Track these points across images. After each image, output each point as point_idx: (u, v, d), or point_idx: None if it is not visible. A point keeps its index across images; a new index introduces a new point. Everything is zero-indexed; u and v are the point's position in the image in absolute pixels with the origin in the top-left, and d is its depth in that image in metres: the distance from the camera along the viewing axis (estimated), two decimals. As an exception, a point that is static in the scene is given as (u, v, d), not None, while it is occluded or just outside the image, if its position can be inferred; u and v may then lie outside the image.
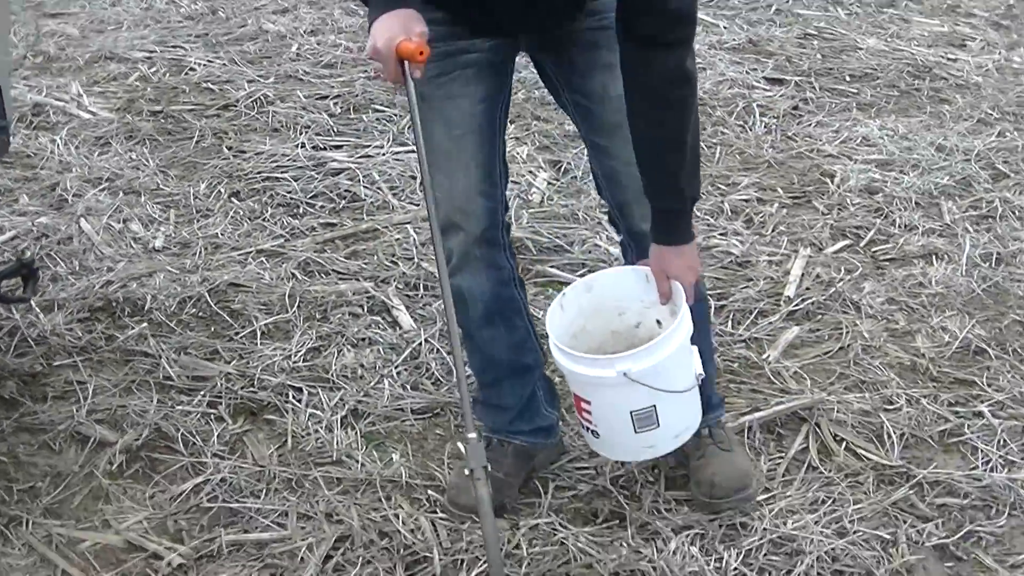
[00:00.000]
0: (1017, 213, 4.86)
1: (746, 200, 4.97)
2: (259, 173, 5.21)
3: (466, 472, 2.85)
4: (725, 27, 6.77)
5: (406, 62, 2.77)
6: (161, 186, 5.14)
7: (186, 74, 6.22)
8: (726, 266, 4.52)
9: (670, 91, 2.85)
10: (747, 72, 6.14)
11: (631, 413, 3.05)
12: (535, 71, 3.35)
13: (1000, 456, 3.53)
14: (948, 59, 6.39)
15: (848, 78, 6.14)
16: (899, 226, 4.79)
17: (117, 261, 4.57)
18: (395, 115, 5.68)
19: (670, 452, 3.25)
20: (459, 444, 3.57)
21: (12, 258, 4.28)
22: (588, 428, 3.18)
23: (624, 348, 3.11)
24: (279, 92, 5.94)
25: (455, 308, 2.96)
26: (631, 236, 3.25)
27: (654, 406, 3.03)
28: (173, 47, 6.56)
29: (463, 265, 3.20)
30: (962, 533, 3.26)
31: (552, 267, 4.52)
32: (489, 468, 2.84)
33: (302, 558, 3.19)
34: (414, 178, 5.12)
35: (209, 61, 6.35)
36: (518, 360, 3.40)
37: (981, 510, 3.36)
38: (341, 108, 5.79)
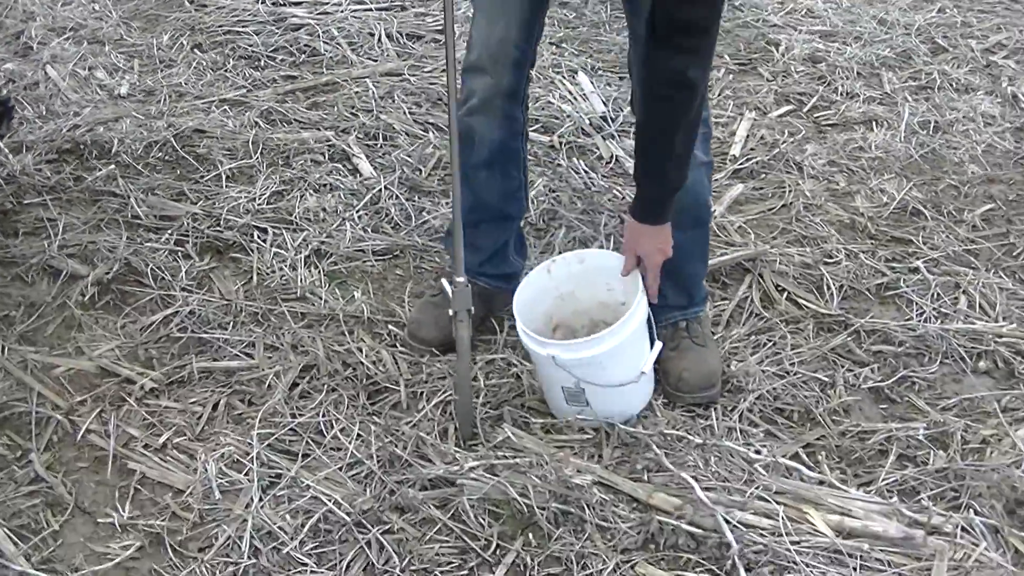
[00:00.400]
0: (954, 85, 5.03)
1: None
2: (220, 27, 5.29)
3: (450, 312, 3.03)
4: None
5: None
6: (124, 37, 5.21)
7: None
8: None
9: (669, 91, 2.95)
10: None
11: (562, 387, 3.20)
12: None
13: (933, 308, 3.73)
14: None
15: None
16: (841, 94, 4.96)
17: (83, 106, 4.65)
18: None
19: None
20: (416, 283, 3.73)
21: (-14, 96, 4.36)
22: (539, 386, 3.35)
23: (611, 319, 3.24)
24: (236, -50, 5.98)
25: (461, 146, 3.10)
26: None
27: (583, 389, 3.17)
28: None
29: (481, 109, 3.34)
30: (896, 377, 3.46)
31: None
32: (472, 311, 3.00)
33: (269, 385, 3.35)
34: (372, 35, 5.22)
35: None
36: (503, 208, 3.54)
37: (915, 357, 3.55)
38: (298, -33, 5.84)
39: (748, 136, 4.62)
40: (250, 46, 5.13)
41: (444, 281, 3.21)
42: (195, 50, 5.12)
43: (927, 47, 5.32)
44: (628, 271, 3.25)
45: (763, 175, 4.41)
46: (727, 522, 2.86)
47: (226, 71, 4.95)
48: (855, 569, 2.80)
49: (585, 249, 3.66)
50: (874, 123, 4.75)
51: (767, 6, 5.65)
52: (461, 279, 3.05)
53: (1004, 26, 5.57)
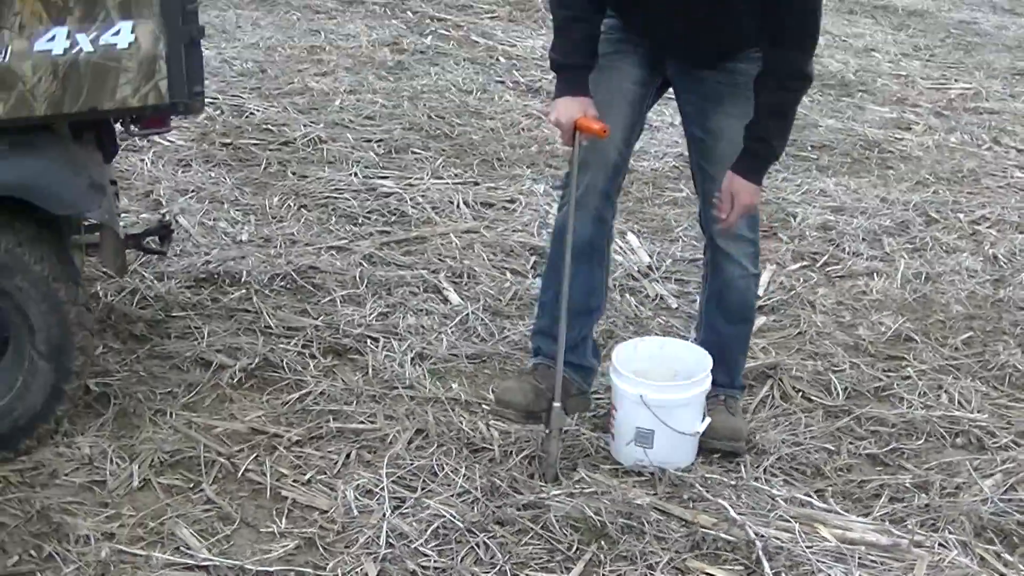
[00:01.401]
0: (944, 248, 5.97)
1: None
2: (321, 193, 6.25)
3: (545, 431, 4.02)
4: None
5: (578, 132, 3.87)
6: (239, 198, 6.16)
7: (247, 117, 7.26)
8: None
9: (791, 81, 3.88)
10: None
11: (636, 427, 4.10)
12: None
13: (920, 402, 4.61)
14: (895, 137, 7.55)
15: (810, 147, 7.26)
16: (848, 253, 5.89)
17: (211, 248, 5.58)
18: (430, 156, 6.76)
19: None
20: (502, 379, 4.59)
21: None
22: (610, 430, 4.23)
23: None
24: (330, 135, 7.00)
25: (553, 240, 4.13)
26: (710, 242, 4.29)
27: (652, 431, 4.07)
28: (232, 96, 7.60)
29: (580, 207, 4.06)
30: (889, 448, 4.33)
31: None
32: (566, 431, 3.95)
33: (391, 440, 4.22)
34: (451, 202, 6.18)
35: (266, 108, 7.40)
36: (586, 301, 4.28)
37: (904, 435, 4.42)
38: (384, 149, 6.86)
39: (770, 282, 5.53)
40: (348, 208, 6.08)
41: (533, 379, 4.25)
42: (301, 209, 6.06)
43: (922, 219, 6.27)
44: (725, 212, 4.01)
45: (782, 310, 5.31)
46: (753, 533, 3.71)
47: (330, 226, 5.89)
48: (854, 567, 3.64)
49: (666, 338, 4.64)
50: (875, 274, 5.68)
51: (786, 187, 6.61)
52: (557, 404, 4.01)
53: (988, 203, 6.53)
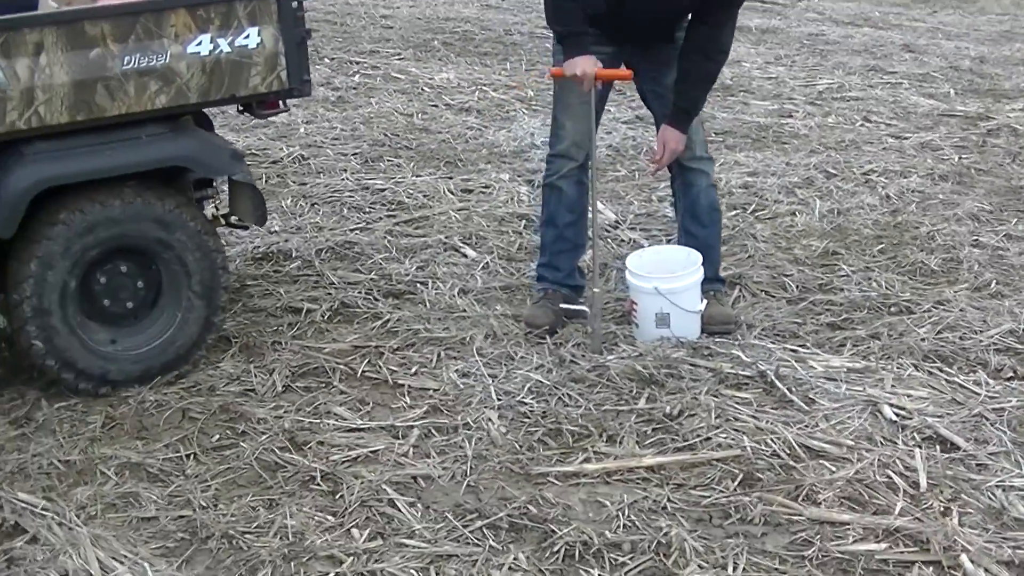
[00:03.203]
0: (846, 192, 7.36)
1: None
2: (324, 194, 7.45)
3: (589, 313, 5.40)
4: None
5: (597, 80, 5.20)
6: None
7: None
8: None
9: (717, 55, 5.38)
10: (644, 131, 8.63)
11: (655, 314, 5.35)
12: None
13: (857, 289, 5.95)
14: (782, 122, 9.00)
15: (714, 133, 8.65)
16: (771, 201, 7.25)
17: (254, 238, 6.72)
18: (403, 162, 8.00)
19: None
20: (528, 298, 5.80)
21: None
22: (633, 321, 5.46)
23: None
24: (310, 153, 8.21)
25: (550, 199, 5.56)
26: (680, 167, 5.64)
27: (668, 314, 5.33)
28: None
29: (567, 176, 5.55)
30: (842, 318, 5.66)
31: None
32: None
33: (469, 340, 5.43)
34: (437, 190, 7.42)
35: (243, 139, 8.55)
36: (576, 239, 5.70)
37: (852, 309, 5.75)
38: (361, 160, 8.10)
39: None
40: (353, 202, 7.28)
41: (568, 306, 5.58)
42: (314, 206, 7.25)
43: (822, 175, 7.67)
44: (660, 156, 5.46)
45: (730, 242, 6.57)
46: (764, 367, 5.02)
47: (344, 215, 7.09)
48: (842, 382, 4.95)
49: (661, 246, 6.03)
50: (796, 213, 7.03)
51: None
52: (597, 290, 5.40)
53: (873, 161, 7.97)
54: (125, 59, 4.82)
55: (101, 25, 4.77)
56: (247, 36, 5.01)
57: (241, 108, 5.54)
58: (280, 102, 5.33)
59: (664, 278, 5.39)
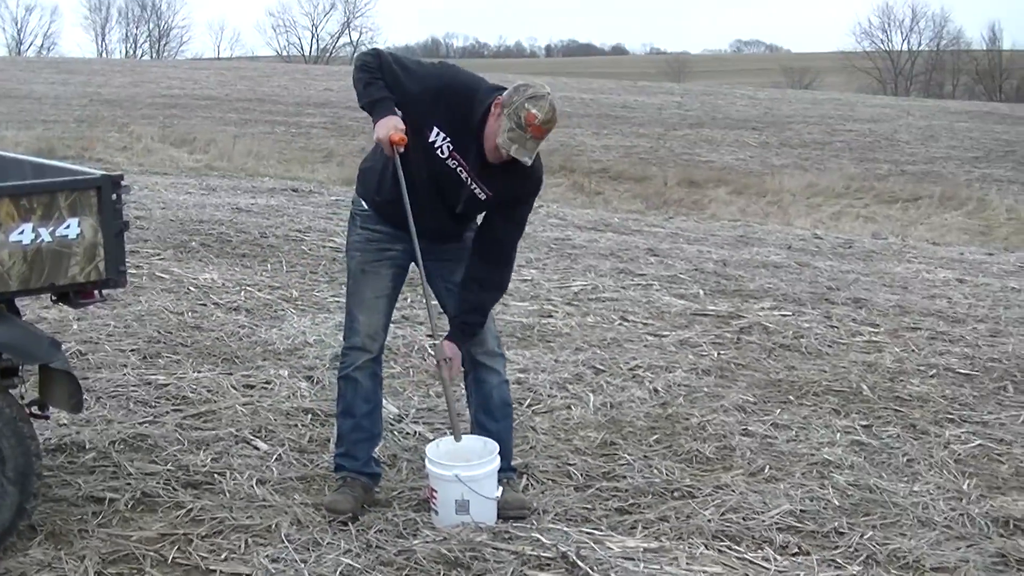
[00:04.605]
0: (615, 387, 7.77)
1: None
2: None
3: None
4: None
5: (394, 145, 5.37)
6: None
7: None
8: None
9: (495, 291, 5.82)
10: (412, 330, 8.91)
11: (455, 501, 5.51)
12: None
13: (639, 475, 6.30)
14: (544, 321, 9.42)
15: (483, 332, 8.99)
16: (545, 395, 7.60)
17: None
18: (180, 359, 8.10)
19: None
20: (324, 497, 5.95)
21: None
22: (432, 508, 5.61)
23: None
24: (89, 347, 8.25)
25: (347, 390, 5.80)
26: (472, 361, 5.90)
27: (468, 501, 5.49)
28: None
29: (362, 368, 5.78)
30: (628, 503, 5.99)
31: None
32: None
33: (275, 527, 5.56)
34: (210, 391, 7.55)
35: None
36: (372, 429, 5.94)
37: (637, 494, 6.09)
38: (140, 356, 8.17)
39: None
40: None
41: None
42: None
43: (591, 371, 8.08)
44: (442, 371, 5.68)
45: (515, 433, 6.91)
46: (564, 548, 5.29)
47: (130, 410, 7.17)
48: (640, 562, 5.25)
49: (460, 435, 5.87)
50: (571, 407, 7.40)
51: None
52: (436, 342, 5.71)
53: (636, 358, 8.42)
54: (-53, 247, 4.90)
55: (-75, 213, 4.85)
56: (68, 227, 5.14)
57: (55, 298, 5.60)
58: (96, 292, 5.42)
59: (465, 466, 5.58)
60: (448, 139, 5.46)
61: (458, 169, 5.50)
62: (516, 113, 5.26)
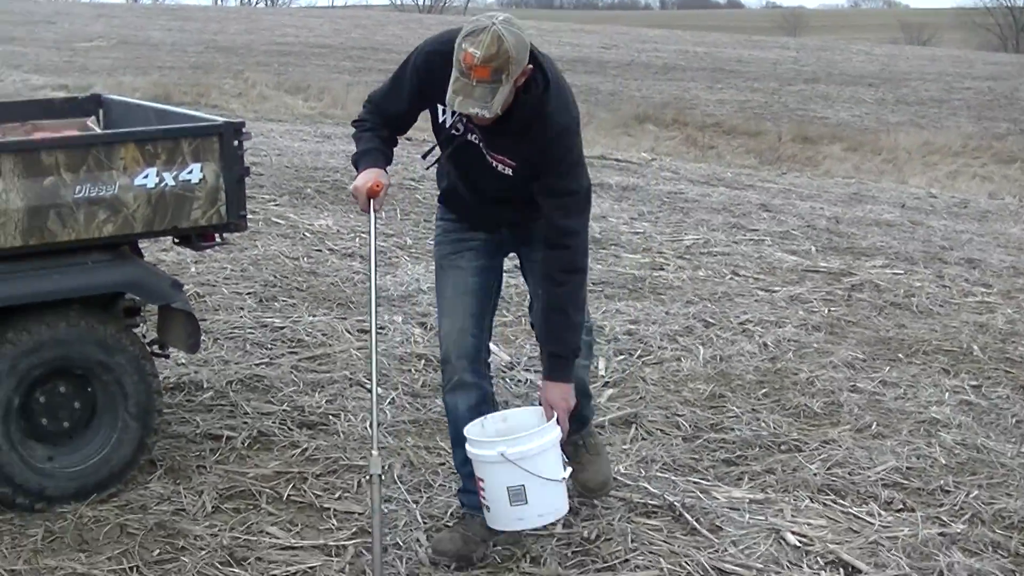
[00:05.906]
0: (725, 341, 7.80)
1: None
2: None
3: (366, 478, 5.23)
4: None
5: (371, 199, 4.64)
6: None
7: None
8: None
9: (564, 276, 4.61)
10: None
11: (507, 488, 4.52)
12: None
13: (747, 428, 6.34)
14: (656, 274, 9.47)
15: (591, 283, 9.05)
16: (655, 347, 7.65)
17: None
18: (296, 303, 8.25)
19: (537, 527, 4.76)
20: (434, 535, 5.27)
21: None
22: (484, 504, 4.68)
23: None
24: (213, 289, 8.42)
25: (449, 414, 4.88)
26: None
27: (523, 486, 4.49)
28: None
29: (455, 390, 4.83)
30: (735, 455, 6.04)
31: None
32: (383, 477, 4.70)
33: (390, 466, 5.68)
34: (324, 335, 7.69)
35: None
36: None
37: (744, 446, 6.14)
38: (256, 300, 8.33)
39: (606, 368, 7.23)
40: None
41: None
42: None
43: (701, 324, 8.12)
44: (549, 418, 4.62)
45: (622, 384, 6.97)
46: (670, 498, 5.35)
47: (246, 351, 7.32)
48: (745, 512, 5.30)
49: (508, 410, 5.02)
50: (681, 359, 7.44)
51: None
52: (375, 451, 4.65)
53: (746, 312, 8.45)
54: (77, 188, 5.03)
55: (56, 155, 4.99)
56: (191, 172, 5.27)
57: (177, 240, 5.73)
58: (217, 235, 5.55)
59: (511, 439, 4.57)
60: (455, 114, 4.63)
61: (474, 139, 4.68)
62: (457, 58, 4.35)
